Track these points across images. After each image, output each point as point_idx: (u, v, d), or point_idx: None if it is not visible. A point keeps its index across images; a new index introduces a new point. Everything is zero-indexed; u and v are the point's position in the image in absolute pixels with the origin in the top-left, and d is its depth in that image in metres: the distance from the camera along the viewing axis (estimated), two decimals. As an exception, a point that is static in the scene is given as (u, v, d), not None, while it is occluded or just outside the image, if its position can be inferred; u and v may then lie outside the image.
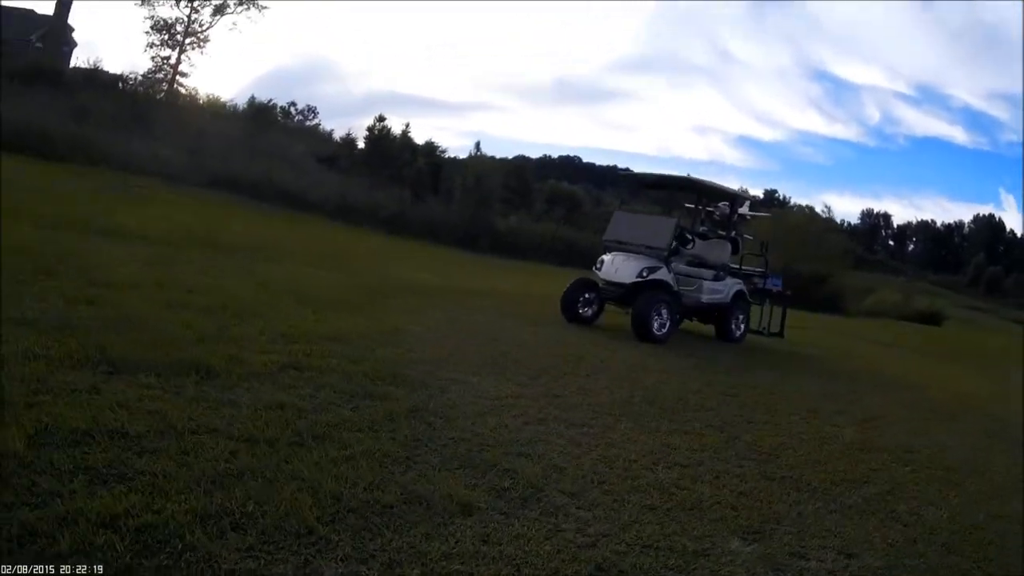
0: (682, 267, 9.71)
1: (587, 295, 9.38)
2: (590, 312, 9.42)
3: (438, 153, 38.81)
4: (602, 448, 4.08)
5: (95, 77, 31.73)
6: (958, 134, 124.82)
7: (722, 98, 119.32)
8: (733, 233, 10.21)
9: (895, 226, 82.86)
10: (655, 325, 8.58)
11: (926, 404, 7.46)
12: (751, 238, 11.35)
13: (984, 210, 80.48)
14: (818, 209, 42.49)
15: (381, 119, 36.35)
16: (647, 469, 3.86)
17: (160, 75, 35.85)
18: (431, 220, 27.36)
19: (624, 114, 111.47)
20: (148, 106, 30.52)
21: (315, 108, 46.13)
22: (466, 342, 6.62)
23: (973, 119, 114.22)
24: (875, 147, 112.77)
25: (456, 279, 13.54)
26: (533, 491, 3.26)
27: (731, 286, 9.83)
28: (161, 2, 34.49)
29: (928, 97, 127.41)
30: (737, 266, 10.26)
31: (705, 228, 10.62)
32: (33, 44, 34.52)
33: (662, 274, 8.86)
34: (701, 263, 9.97)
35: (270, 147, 29.87)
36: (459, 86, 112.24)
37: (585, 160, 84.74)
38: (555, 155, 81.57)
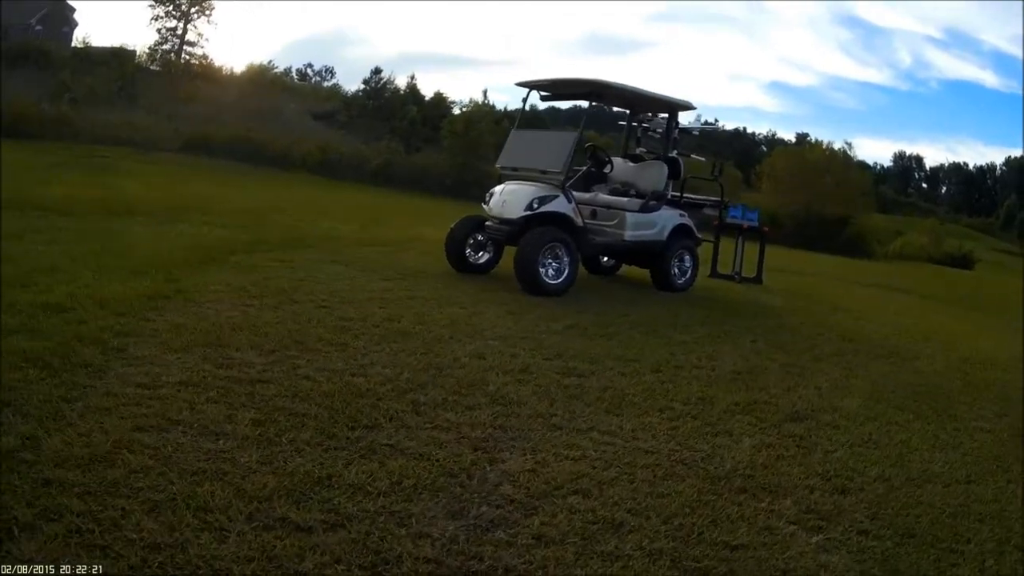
0: (602, 196, 7.08)
1: (479, 237, 6.87)
2: (484, 258, 6.92)
3: (447, 105, 36.08)
4: (167, 490, 1.73)
5: (86, 54, 30.30)
6: (989, 78, 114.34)
7: (753, 46, 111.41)
8: (675, 153, 7.42)
9: (928, 168, 75.89)
10: (547, 272, 6.07)
11: (909, 384, 4.59)
12: (702, 159, 8.43)
13: (1017, 153, 72.31)
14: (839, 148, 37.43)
15: (377, 71, 33.76)
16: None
17: (167, 47, 34.24)
18: (421, 170, 24.89)
19: (657, 65, 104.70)
20: (137, 78, 29.08)
21: (332, 68, 43.65)
22: (244, 304, 4.36)
23: (1003, 63, 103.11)
24: (908, 91, 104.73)
25: (387, 230, 11.06)
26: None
27: (668, 219, 7.10)
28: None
29: (958, 41, 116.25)
30: (678, 194, 7.49)
31: (643, 149, 7.86)
32: (33, 27, 33.25)
33: (558, 204, 6.24)
34: (638, 192, 7.31)
35: (262, 108, 27.96)
36: (490, 44, 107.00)
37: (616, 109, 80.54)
38: (584, 104, 77.02)
